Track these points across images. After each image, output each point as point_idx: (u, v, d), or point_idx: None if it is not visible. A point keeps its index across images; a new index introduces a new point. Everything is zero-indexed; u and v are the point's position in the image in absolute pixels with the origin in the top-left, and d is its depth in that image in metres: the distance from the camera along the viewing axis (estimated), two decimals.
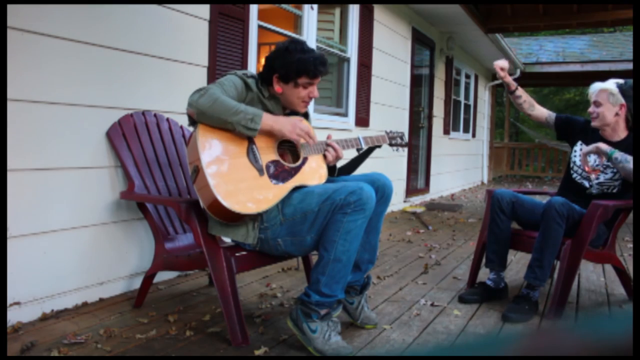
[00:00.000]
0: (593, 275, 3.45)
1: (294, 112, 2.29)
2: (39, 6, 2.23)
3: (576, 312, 2.72)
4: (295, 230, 2.02)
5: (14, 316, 2.19)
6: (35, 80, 2.23)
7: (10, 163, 2.15)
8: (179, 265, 2.41)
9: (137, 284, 2.72)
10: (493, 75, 11.90)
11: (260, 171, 2.01)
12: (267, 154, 2.07)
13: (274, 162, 2.07)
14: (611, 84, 2.67)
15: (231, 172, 1.96)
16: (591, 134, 2.81)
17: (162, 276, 2.93)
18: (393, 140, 2.53)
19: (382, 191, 2.19)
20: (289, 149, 2.20)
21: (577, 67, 11.14)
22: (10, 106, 2.14)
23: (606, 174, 2.68)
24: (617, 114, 2.65)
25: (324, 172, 2.22)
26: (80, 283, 2.49)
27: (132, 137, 2.60)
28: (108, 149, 2.58)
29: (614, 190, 2.68)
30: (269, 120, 1.99)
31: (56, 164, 2.35)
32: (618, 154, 2.53)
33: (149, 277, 2.46)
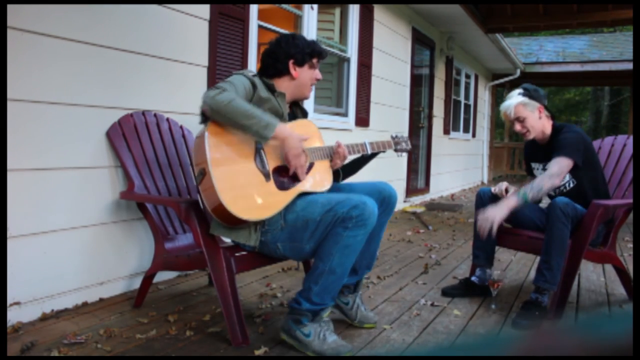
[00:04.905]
0: (593, 275, 3.45)
1: (298, 109, 2.35)
2: (39, 6, 2.23)
3: (576, 312, 2.72)
4: (295, 237, 2.02)
5: (14, 316, 2.19)
6: (35, 80, 2.23)
7: (10, 163, 2.15)
8: (178, 265, 2.41)
9: (137, 284, 2.72)
10: (493, 75, 11.91)
11: (266, 177, 2.01)
12: (274, 159, 2.06)
13: (281, 167, 2.07)
14: (518, 97, 2.71)
15: (238, 177, 1.95)
16: (530, 149, 2.90)
17: (162, 276, 2.93)
18: (398, 145, 2.56)
19: (388, 202, 2.20)
20: None
21: (577, 67, 11.13)
22: (11, 106, 2.14)
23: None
24: (540, 117, 2.71)
25: (329, 179, 2.22)
26: (80, 283, 2.49)
27: (132, 137, 2.59)
28: (108, 149, 2.58)
29: (570, 185, 2.69)
30: (284, 132, 1.96)
31: (56, 164, 2.35)
32: (529, 193, 2.49)
33: (148, 277, 2.46)
